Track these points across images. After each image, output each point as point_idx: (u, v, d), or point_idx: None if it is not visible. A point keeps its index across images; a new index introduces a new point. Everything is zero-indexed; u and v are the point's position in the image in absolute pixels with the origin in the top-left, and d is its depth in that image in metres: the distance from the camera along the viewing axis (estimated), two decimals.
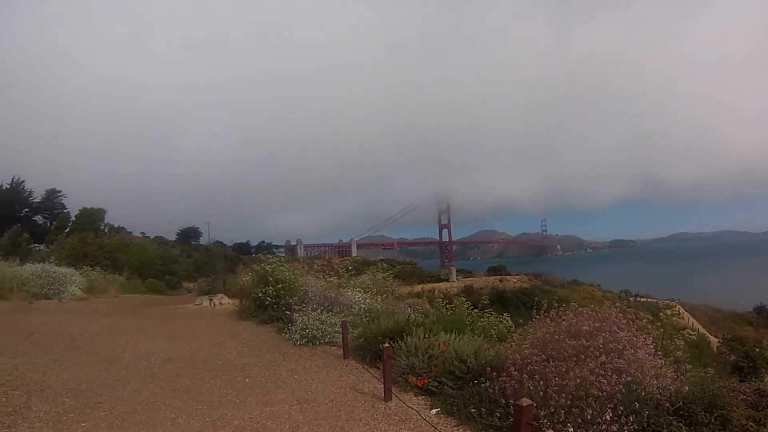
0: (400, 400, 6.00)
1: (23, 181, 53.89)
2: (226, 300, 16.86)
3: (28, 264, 19.77)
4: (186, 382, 6.94)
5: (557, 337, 5.39)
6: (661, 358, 5.66)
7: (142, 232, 74.74)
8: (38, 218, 56.45)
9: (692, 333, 17.84)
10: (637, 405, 4.59)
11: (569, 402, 4.49)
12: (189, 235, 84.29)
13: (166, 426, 5.21)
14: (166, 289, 27.49)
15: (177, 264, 33.16)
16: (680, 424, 4.51)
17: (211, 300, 16.62)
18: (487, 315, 10.81)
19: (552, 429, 4.29)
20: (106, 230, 49.51)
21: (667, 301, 59.88)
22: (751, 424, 4.48)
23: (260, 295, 12.85)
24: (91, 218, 49.73)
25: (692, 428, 4.46)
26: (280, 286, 12.84)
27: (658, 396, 4.84)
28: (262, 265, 13.74)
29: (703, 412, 4.60)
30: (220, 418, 5.45)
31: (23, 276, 17.91)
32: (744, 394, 5.30)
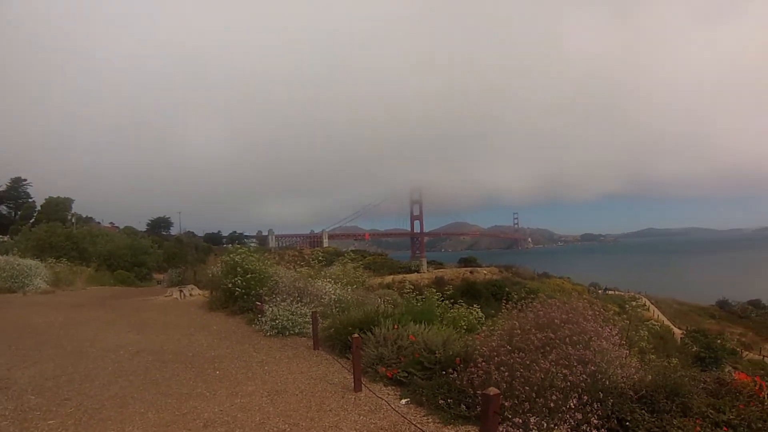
0: (370, 390, 5.98)
1: None
2: (196, 291, 16.62)
3: None
4: (155, 376, 6.81)
5: (524, 328, 5.44)
6: (626, 349, 5.74)
7: (111, 222, 73.26)
8: (2, 208, 54.47)
9: (656, 324, 18.44)
10: (602, 394, 4.64)
11: (534, 393, 4.53)
12: (160, 225, 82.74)
13: (135, 421, 5.09)
14: (136, 280, 26.91)
15: (147, 255, 32.39)
16: (643, 411, 4.59)
17: (181, 291, 16.36)
18: (457, 306, 10.85)
19: (518, 418, 4.34)
20: (73, 220, 48.16)
21: (634, 294, 61.72)
22: (711, 411, 4.60)
23: (230, 285, 12.67)
24: (58, 208, 48.38)
25: (655, 415, 4.55)
26: (249, 276, 12.69)
27: (623, 385, 4.92)
28: (232, 255, 13.54)
29: (666, 400, 4.71)
30: (190, 411, 5.36)
31: None
32: (705, 383, 5.42)
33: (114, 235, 38.17)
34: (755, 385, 5.19)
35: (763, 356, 36.92)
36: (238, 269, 12.90)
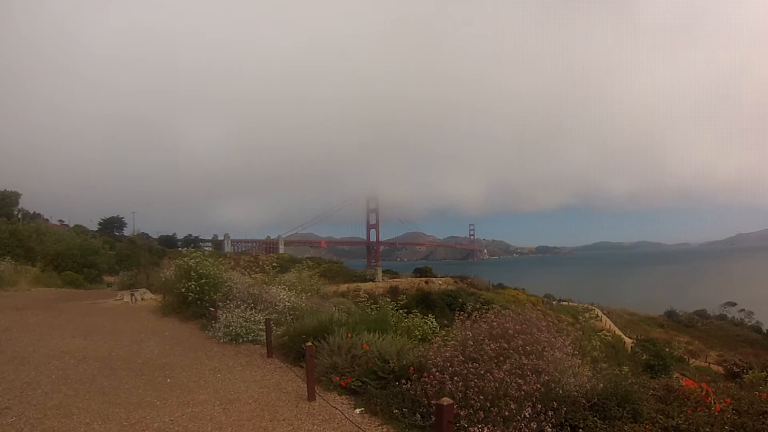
0: (324, 399, 5.92)
1: None
2: (148, 295, 16.06)
3: None
4: (103, 383, 6.52)
5: (478, 338, 5.50)
6: (579, 358, 5.91)
7: (60, 220, 70.02)
8: None
9: (608, 334, 19.01)
10: (555, 402, 4.75)
11: (488, 402, 4.59)
12: (112, 225, 79.49)
13: None
14: (85, 282, 25.55)
15: (98, 256, 30.87)
16: (595, 418, 4.76)
17: (132, 295, 15.76)
18: (412, 316, 10.86)
19: (473, 428, 4.38)
20: (19, 216, 45.79)
21: (587, 305, 63.35)
22: (660, 416, 4.82)
23: (183, 290, 12.31)
24: (4, 202, 45.82)
25: (607, 422, 4.72)
26: (203, 281, 12.38)
27: (575, 393, 5.07)
28: (186, 259, 13.20)
29: (617, 407, 4.90)
30: (139, 422, 5.15)
31: None
32: (654, 390, 5.70)
33: (63, 233, 36.30)
34: (702, 391, 5.46)
35: (709, 363, 38.72)
36: (192, 273, 12.55)
